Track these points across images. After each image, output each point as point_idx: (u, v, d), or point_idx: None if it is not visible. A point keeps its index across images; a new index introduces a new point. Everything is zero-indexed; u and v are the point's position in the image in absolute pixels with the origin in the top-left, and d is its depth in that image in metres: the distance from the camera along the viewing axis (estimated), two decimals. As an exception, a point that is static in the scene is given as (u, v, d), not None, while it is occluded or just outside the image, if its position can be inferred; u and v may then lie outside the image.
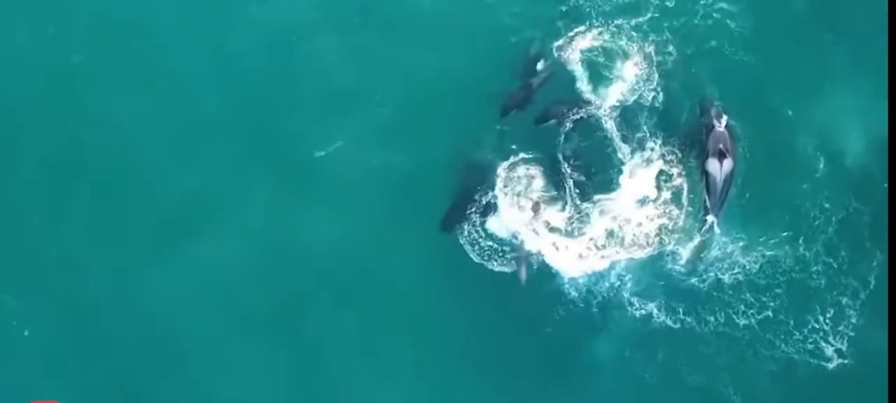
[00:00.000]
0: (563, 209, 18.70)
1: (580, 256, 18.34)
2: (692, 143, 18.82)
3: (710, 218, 18.15)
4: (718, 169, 18.17)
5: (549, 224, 18.61)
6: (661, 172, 18.77)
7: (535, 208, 18.62)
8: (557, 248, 18.43)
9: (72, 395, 17.84)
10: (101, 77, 19.84)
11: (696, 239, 18.28)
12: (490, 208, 18.76)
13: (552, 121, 19.13)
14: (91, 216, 19.10)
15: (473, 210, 18.74)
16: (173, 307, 18.48)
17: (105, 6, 20.38)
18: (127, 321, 18.46)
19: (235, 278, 18.62)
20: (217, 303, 18.51)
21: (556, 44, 19.59)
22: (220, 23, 20.19)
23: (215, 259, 18.63)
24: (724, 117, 18.41)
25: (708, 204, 18.23)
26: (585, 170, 18.86)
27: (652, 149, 18.86)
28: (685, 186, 18.67)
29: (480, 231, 18.64)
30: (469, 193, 18.87)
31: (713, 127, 18.40)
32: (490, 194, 18.80)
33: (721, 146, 18.22)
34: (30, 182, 19.35)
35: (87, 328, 18.48)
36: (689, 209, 18.50)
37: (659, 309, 17.99)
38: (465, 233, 18.64)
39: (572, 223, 18.59)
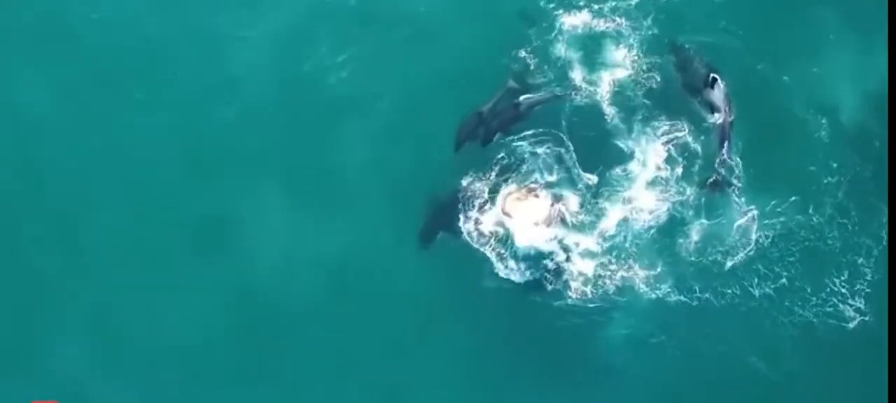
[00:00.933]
0: (570, 205, 18.61)
1: (590, 252, 18.33)
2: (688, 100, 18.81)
3: (714, 178, 18.16)
4: (716, 93, 18.10)
5: (562, 218, 18.53)
6: (666, 150, 18.69)
7: (534, 194, 18.53)
8: (565, 248, 18.41)
9: (72, 395, 17.83)
10: (105, 100, 19.79)
11: (713, 198, 18.34)
12: (484, 209, 18.64)
13: (498, 136, 18.84)
14: (101, 230, 19.10)
15: (459, 215, 18.60)
16: (174, 309, 18.48)
17: (105, 30, 20.28)
18: (131, 326, 18.46)
19: (238, 284, 18.58)
20: (218, 308, 18.45)
21: (518, 63, 19.40)
22: (216, 40, 20.11)
23: (219, 266, 18.64)
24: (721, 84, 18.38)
25: (720, 147, 18.18)
26: (588, 161, 18.71)
27: (653, 129, 18.78)
28: (695, 149, 18.61)
29: (481, 230, 18.54)
30: (450, 200, 18.71)
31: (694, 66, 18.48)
32: (483, 196, 18.67)
33: (711, 73, 18.17)
34: (41, 195, 19.33)
35: (92, 332, 18.47)
36: (698, 178, 18.51)
37: (673, 288, 18.04)
38: (464, 235, 18.55)
39: (581, 217, 18.53)
